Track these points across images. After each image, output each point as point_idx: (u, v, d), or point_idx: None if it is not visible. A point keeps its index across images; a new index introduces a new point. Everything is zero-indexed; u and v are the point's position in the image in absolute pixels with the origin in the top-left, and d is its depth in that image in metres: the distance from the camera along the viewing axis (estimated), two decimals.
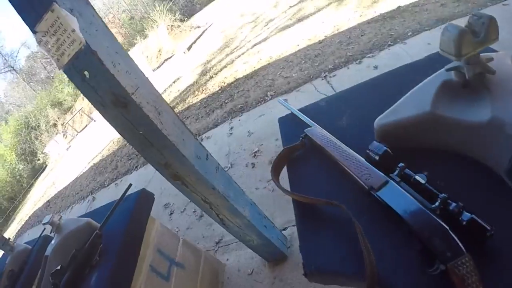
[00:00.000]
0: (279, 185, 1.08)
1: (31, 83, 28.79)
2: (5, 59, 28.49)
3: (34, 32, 1.10)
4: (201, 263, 2.18)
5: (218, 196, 1.58)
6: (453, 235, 0.63)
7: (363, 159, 0.89)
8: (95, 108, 1.24)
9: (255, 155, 3.62)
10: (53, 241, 1.67)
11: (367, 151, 0.88)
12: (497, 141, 0.72)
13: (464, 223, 0.64)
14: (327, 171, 1.02)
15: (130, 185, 1.81)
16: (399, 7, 5.22)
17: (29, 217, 10.29)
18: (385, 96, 1.05)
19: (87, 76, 1.12)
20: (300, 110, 1.34)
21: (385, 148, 0.84)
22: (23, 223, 10.49)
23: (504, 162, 0.71)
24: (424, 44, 3.86)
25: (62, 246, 1.62)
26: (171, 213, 3.66)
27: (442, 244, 0.64)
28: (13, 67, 28.94)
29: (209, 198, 1.59)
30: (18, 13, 1.11)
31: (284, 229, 2.41)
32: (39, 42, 1.12)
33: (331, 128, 1.10)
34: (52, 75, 26.86)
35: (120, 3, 23.48)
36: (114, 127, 1.29)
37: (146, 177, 5.10)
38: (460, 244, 0.62)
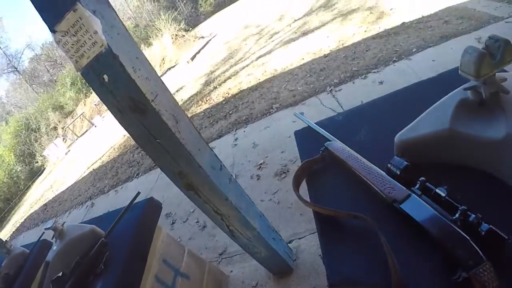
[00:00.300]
0: (301, 197, 1.06)
1: (33, 85, 28.93)
2: (9, 59, 28.68)
3: (53, 31, 1.08)
4: (205, 274, 2.14)
5: (230, 207, 1.56)
6: (473, 245, 0.66)
7: (384, 173, 0.91)
8: (111, 113, 1.22)
9: (260, 167, 3.60)
10: (54, 247, 1.63)
11: (388, 165, 0.90)
12: (511, 156, 0.76)
13: (483, 233, 0.67)
14: (347, 184, 1.04)
15: (139, 193, 1.79)
16: (403, 23, 5.31)
17: (25, 219, 10.21)
18: (401, 111, 1.11)
19: (106, 80, 1.11)
20: (317, 123, 1.35)
21: (406, 163, 0.87)
22: (18, 225, 10.41)
23: None
24: (429, 61, 3.89)
25: (65, 252, 1.59)
26: (173, 223, 3.63)
27: (464, 253, 0.66)
28: (16, 68, 29.09)
29: (221, 209, 1.57)
30: (38, 11, 1.09)
31: (290, 242, 2.39)
32: (57, 42, 1.10)
33: (349, 142, 1.11)
34: (54, 79, 27.04)
35: (125, 10, 23.73)
36: (129, 133, 1.27)
37: (147, 185, 5.07)
38: (481, 253, 0.65)
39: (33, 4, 1.08)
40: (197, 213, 3.50)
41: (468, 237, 0.68)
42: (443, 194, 0.77)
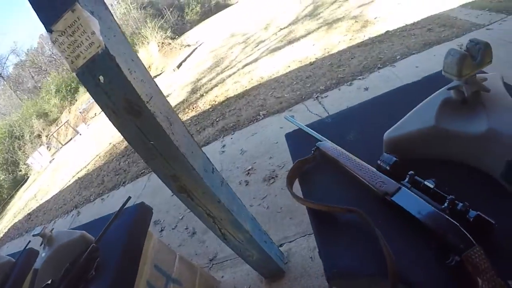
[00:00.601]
0: (295, 194, 1.10)
1: (17, 92, 28.42)
2: None
3: (49, 31, 1.09)
4: (196, 280, 2.13)
5: (223, 209, 1.57)
6: (463, 230, 0.71)
7: (375, 169, 0.95)
8: (105, 114, 1.22)
9: (248, 173, 3.62)
10: (43, 254, 1.60)
11: (378, 162, 0.95)
12: (492, 149, 0.82)
13: (471, 219, 0.72)
14: (338, 181, 1.08)
15: (129, 197, 1.77)
16: (387, 31, 5.45)
17: (9, 229, 9.96)
18: (388, 112, 1.16)
19: (102, 81, 1.11)
20: (307, 126, 1.39)
21: (395, 158, 0.92)
22: (1, 235, 10.16)
23: (499, 167, 0.80)
24: (412, 67, 4.02)
25: (54, 259, 1.56)
26: (162, 230, 3.59)
27: (455, 238, 0.71)
28: (0, 74, 28.60)
29: (214, 212, 1.57)
30: (35, 10, 1.09)
31: (280, 246, 2.40)
32: (53, 41, 1.10)
33: (339, 143, 1.15)
34: (39, 85, 26.62)
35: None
36: (123, 135, 1.27)
37: (134, 192, 5.01)
38: (470, 237, 0.69)
39: (30, 3, 1.08)
40: (186, 220, 3.49)
41: (457, 224, 0.72)
42: (431, 186, 0.82)
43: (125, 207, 1.74)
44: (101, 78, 1.11)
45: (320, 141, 1.21)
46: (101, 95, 1.15)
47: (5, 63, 29.69)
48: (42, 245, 1.63)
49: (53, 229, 1.67)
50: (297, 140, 1.41)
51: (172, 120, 1.28)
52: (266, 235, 2.03)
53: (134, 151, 1.35)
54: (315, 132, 1.28)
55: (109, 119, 1.22)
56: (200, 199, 1.49)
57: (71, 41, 1.08)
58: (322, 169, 1.17)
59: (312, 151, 1.19)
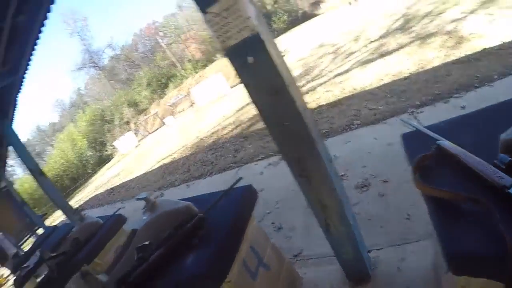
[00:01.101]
0: (419, 181, 1.18)
1: (111, 81, 30.89)
2: (91, 56, 31.00)
3: (204, 12, 1.21)
4: (283, 269, 2.17)
5: (335, 199, 1.61)
6: None
7: (492, 166, 1.03)
8: (248, 92, 1.32)
9: (340, 179, 3.58)
10: (144, 217, 1.75)
11: (494, 161, 1.03)
12: None
13: None
14: (456, 175, 1.16)
15: (240, 178, 1.88)
16: (484, 49, 5.20)
17: (90, 198, 10.82)
18: (501, 120, 1.22)
19: (250, 61, 1.22)
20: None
21: (510, 158, 0.99)
22: (81, 203, 11.05)
23: None
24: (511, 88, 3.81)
25: (154, 223, 1.71)
26: None
27: None
28: (97, 64, 31.31)
29: (326, 200, 1.62)
30: None
31: (368, 252, 2.36)
32: (207, 21, 1.22)
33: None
34: (131, 78, 28.64)
35: (202, 21, 24.85)
36: (261, 113, 1.37)
37: (220, 184, 5.13)
38: None
39: None
40: (273, 215, 3.58)
41: None
42: None
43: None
44: (249, 59, 1.22)
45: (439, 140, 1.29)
46: (247, 74, 1.27)
47: (101, 55, 32.61)
48: (144, 209, 1.79)
49: (157, 196, 1.80)
50: (412, 140, 1.53)
51: (305, 107, 1.36)
52: (362, 236, 2.04)
53: (268, 130, 1.44)
54: (433, 133, 1.37)
55: (250, 97, 1.32)
56: (318, 185, 1.55)
57: (225, 22, 1.20)
58: (441, 165, 1.24)
59: (432, 148, 1.28)
